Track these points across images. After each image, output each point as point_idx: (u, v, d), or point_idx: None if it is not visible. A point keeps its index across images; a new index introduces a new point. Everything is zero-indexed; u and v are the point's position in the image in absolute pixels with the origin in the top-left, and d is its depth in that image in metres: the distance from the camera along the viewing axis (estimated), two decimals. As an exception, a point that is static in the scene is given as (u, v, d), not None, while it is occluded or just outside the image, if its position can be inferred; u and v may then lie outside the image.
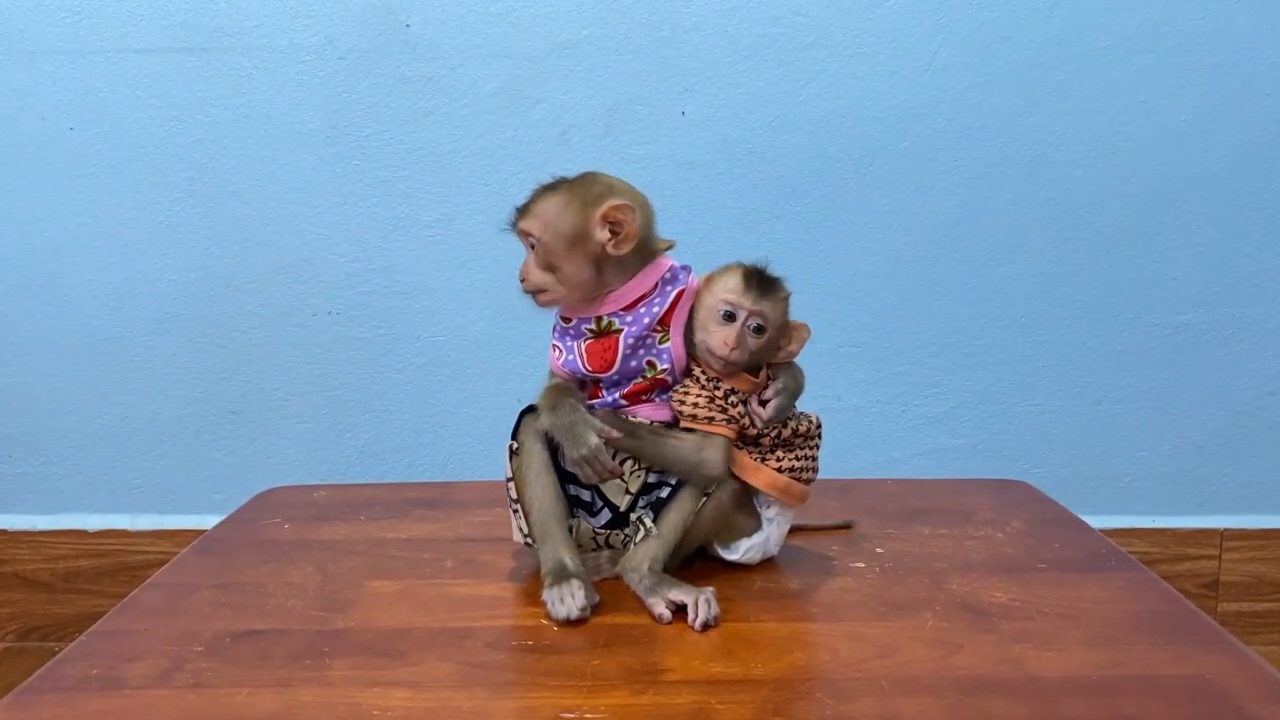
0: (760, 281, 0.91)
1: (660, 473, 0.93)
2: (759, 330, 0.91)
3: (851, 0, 1.48)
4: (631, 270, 0.93)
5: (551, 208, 0.92)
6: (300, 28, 1.49)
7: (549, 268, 0.92)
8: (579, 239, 0.91)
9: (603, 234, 0.91)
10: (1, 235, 1.55)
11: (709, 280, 0.94)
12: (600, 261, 0.92)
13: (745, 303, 0.90)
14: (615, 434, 0.90)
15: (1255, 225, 1.53)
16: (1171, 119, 1.50)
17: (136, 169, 1.53)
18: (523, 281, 0.94)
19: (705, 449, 0.91)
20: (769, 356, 0.94)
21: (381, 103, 1.51)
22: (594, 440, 0.89)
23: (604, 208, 0.90)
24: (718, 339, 0.90)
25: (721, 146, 1.52)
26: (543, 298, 0.93)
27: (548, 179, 0.94)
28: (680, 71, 1.50)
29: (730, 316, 0.91)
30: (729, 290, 0.91)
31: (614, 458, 0.92)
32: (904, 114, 1.51)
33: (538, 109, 1.51)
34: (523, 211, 0.93)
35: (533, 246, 0.93)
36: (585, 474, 0.91)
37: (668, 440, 0.92)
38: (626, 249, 0.92)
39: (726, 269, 0.94)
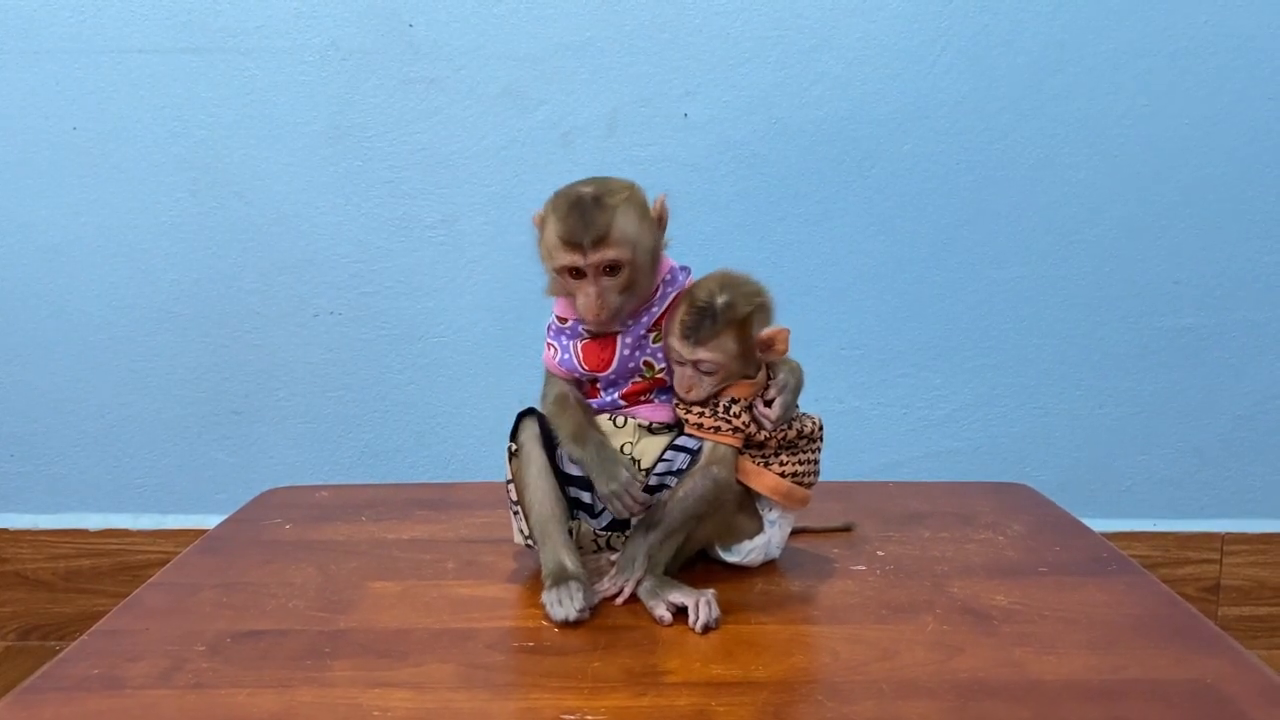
0: (696, 327, 0.89)
1: (662, 475, 0.93)
2: (706, 373, 0.91)
3: (854, 3, 1.48)
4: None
5: (630, 225, 0.88)
6: (304, 28, 1.49)
7: (629, 287, 0.89)
8: (656, 246, 0.91)
9: (659, 231, 0.92)
10: (4, 234, 1.56)
11: (674, 307, 0.93)
12: (660, 265, 0.93)
13: (684, 353, 0.90)
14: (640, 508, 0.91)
15: (1258, 229, 1.53)
16: (1174, 122, 1.50)
17: (139, 169, 1.53)
18: (598, 315, 0.88)
19: (712, 469, 0.91)
20: (749, 369, 0.93)
21: (384, 103, 1.51)
22: (624, 475, 0.89)
23: (658, 205, 0.92)
24: (676, 381, 0.92)
25: (724, 149, 1.52)
26: (617, 319, 0.91)
27: (554, 187, 0.91)
28: (683, 74, 1.50)
29: (679, 361, 0.91)
30: (673, 335, 0.91)
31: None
32: (906, 117, 1.51)
33: (540, 110, 1.51)
34: (599, 241, 0.86)
35: (609, 271, 0.88)
36: (615, 508, 0.90)
37: (676, 494, 0.91)
38: (663, 239, 0.94)
39: (685, 297, 0.92)
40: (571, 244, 0.87)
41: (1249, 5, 1.47)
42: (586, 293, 0.88)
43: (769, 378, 0.94)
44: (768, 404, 0.93)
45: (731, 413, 0.91)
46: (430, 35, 1.50)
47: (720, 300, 0.90)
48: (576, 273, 0.89)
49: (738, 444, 0.92)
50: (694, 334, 0.89)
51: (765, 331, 0.91)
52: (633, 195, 0.90)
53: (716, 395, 0.92)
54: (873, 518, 1.12)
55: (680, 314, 0.91)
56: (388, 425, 1.61)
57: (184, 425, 1.61)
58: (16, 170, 1.54)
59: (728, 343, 0.90)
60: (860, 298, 1.56)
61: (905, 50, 1.49)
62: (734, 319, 0.90)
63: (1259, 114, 1.50)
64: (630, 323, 0.92)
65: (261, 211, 1.54)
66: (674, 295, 0.94)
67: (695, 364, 0.90)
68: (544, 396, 0.96)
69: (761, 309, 0.92)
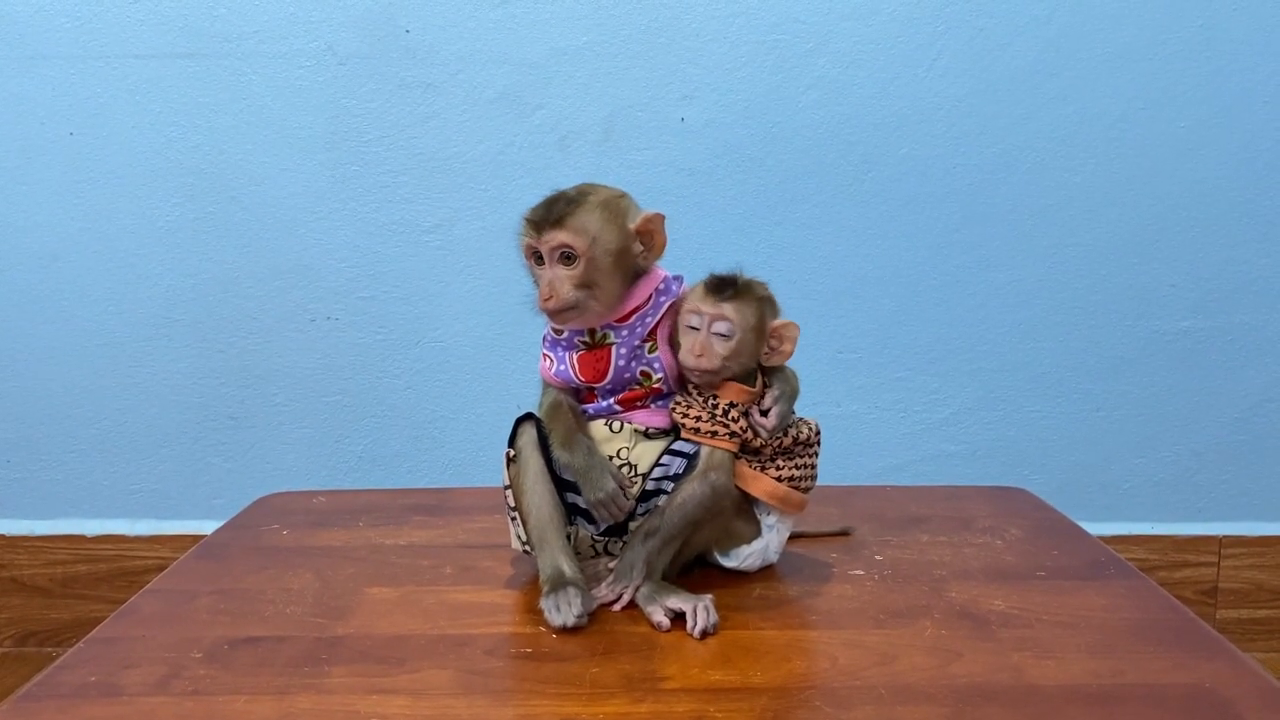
0: (722, 286, 0.91)
1: (659, 480, 0.93)
2: (723, 335, 0.90)
3: (850, 7, 1.48)
4: (630, 282, 0.93)
5: (594, 221, 0.89)
6: (300, 33, 1.49)
7: (587, 284, 0.89)
8: (622, 253, 0.90)
9: (637, 246, 0.91)
10: (0, 240, 1.55)
11: (669, 316, 0.94)
12: (629, 275, 0.92)
13: (704, 307, 0.90)
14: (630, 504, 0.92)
15: (1254, 232, 1.53)
16: (1170, 126, 1.51)
17: (136, 174, 1.53)
18: (548, 300, 0.89)
19: (710, 474, 0.91)
20: (757, 360, 0.93)
21: (381, 108, 1.51)
22: (611, 485, 0.90)
23: (640, 220, 0.91)
24: (685, 348, 0.91)
25: (721, 153, 1.52)
26: (570, 315, 0.90)
27: (550, 191, 0.92)
28: (679, 78, 1.50)
29: (695, 325, 0.91)
30: (691, 299, 0.92)
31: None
32: (903, 120, 1.51)
33: (537, 115, 1.51)
34: (555, 224, 0.88)
35: (565, 260, 0.89)
36: (601, 515, 0.91)
37: (674, 500, 0.91)
38: (655, 260, 0.93)
39: (699, 282, 0.93)
40: (530, 222, 0.90)
41: (1244, 9, 1.47)
42: (542, 278, 0.90)
43: (765, 386, 0.94)
44: (764, 413, 0.93)
45: (730, 417, 0.91)
46: (426, 40, 1.50)
47: (744, 276, 0.92)
48: (538, 259, 0.90)
49: (735, 449, 0.92)
50: (721, 290, 0.90)
51: (776, 322, 0.93)
52: (611, 200, 0.91)
53: (715, 399, 0.92)
54: (870, 522, 1.12)
55: (703, 281, 0.92)
56: (385, 430, 1.61)
57: (181, 431, 1.61)
58: (12, 175, 1.53)
59: (748, 312, 0.91)
60: (857, 301, 1.56)
61: (902, 54, 1.49)
62: (757, 294, 0.92)
63: (1255, 118, 1.50)
64: (625, 332, 0.92)
65: (258, 216, 1.54)
66: (667, 304, 0.94)
67: (717, 319, 0.90)
68: (540, 405, 0.96)
69: (771, 302, 0.94)
